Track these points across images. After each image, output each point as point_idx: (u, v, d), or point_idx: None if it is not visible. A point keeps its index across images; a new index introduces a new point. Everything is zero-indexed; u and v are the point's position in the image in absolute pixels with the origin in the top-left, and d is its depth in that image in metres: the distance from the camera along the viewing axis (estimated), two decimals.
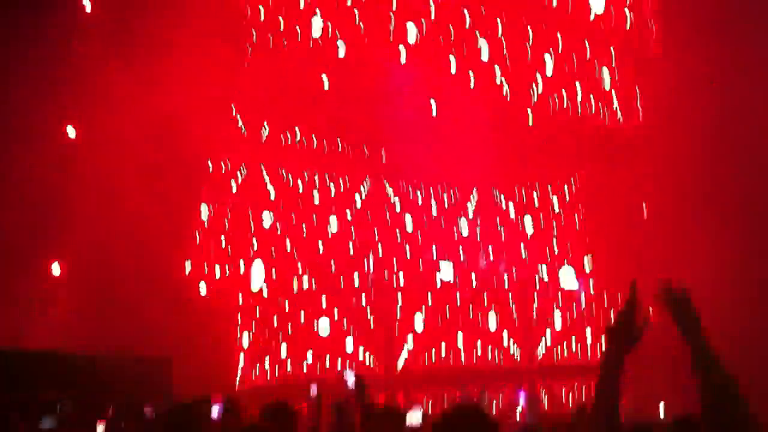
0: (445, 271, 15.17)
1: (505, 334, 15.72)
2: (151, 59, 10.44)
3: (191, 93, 10.71)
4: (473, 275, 15.57)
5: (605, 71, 17.01)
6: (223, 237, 12.60)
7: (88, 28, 10.73)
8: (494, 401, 13.19)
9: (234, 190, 12.95)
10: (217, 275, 12.40)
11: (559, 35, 16.41)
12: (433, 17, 14.90)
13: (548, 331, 16.16)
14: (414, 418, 4.46)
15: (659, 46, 16.97)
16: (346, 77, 13.77)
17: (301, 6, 13.60)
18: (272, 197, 13.41)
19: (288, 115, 13.28)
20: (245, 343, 12.73)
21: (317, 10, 13.67)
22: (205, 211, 12.43)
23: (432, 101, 14.81)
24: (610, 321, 2.57)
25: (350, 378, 5.19)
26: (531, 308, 16.13)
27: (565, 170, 16.67)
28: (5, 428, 5.11)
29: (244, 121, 12.82)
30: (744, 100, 14.53)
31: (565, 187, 16.84)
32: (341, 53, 13.80)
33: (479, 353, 15.34)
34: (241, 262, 12.86)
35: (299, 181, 13.77)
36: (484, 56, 15.39)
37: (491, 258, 15.88)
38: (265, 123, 13.12)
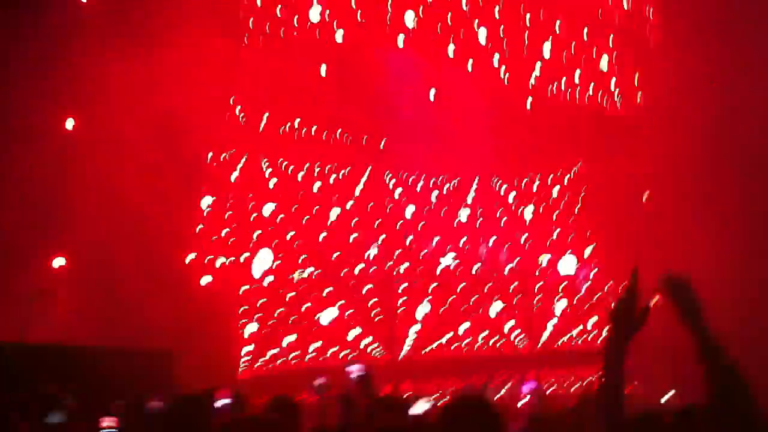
0: (446, 260, 15.15)
1: (511, 323, 15.71)
2: (148, 51, 10.41)
3: (190, 84, 10.70)
4: (474, 264, 15.55)
5: (604, 57, 16.96)
6: (224, 229, 12.60)
7: (86, 20, 10.69)
8: (499, 390, 13.22)
9: (234, 181, 12.94)
10: (218, 266, 12.41)
11: (557, 22, 16.36)
12: (430, 2, 14.83)
13: (551, 319, 16.17)
14: (419, 408, 4.47)
15: (659, 32, 16.94)
16: (345, 65, 13.71)
17: None
18: (272, 187, 13.40)
19: (287, 105, 13.24)
20: (247, 335, 12.74)
21: None
22: (205, 202, 12.42)
23: (431, 90, 14.76)
24: (611, 308, 2.56)
25: (356, 370, 5.19)
26: (532, 296, 16.12)
27: (565, 158, 16.64)
28: (5, 428, 5.08)
29: (243, 112, 12.80)
30: (743, 85, 14.52)
31: (566, 175, 16.82)
32: (339, 39, 13.73)
33: (480, 342, 15.34)
34: (243, 253, 12.87)
35: (298, 172, 13.74)
36: (482, 42, 15.33)
37: (491, 246, 15.85)
38: (265, 114, 13.09)
